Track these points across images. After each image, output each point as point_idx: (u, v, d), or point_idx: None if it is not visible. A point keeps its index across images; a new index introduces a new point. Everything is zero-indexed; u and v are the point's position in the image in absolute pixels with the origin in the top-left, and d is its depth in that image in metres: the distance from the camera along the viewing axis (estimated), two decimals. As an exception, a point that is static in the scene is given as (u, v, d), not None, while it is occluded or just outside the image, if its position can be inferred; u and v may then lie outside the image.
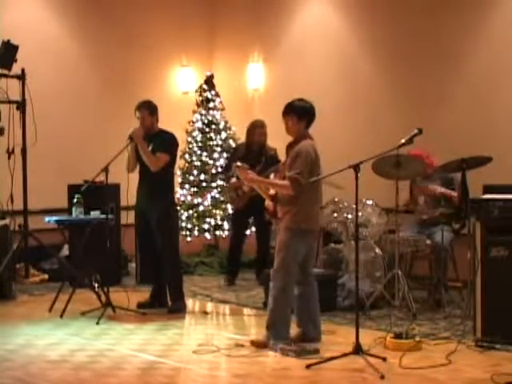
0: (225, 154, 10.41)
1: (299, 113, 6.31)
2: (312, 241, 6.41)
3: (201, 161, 10.47)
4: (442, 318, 7.19)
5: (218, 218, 10.37)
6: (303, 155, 6.19)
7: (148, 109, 7.77)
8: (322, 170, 7.37)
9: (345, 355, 5.76)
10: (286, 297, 6.24)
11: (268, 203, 6.48)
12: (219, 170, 10.38)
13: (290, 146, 6.37)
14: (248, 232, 9.83)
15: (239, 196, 9.18)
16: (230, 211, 10.10)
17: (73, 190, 8.73)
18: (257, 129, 9.23)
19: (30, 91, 8.55)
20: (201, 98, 10.72)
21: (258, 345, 6.24)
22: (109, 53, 10.70)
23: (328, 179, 7.56)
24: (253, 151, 9.17)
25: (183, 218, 10.35)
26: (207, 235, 10.49)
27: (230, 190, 9.39)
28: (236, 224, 9.53)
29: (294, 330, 6.45)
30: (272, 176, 6.98)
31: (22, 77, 8.59)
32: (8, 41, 8.46)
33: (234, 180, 9.18)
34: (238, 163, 6.66)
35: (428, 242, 7.67)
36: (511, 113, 8.48)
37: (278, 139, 9.17)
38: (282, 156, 8.64)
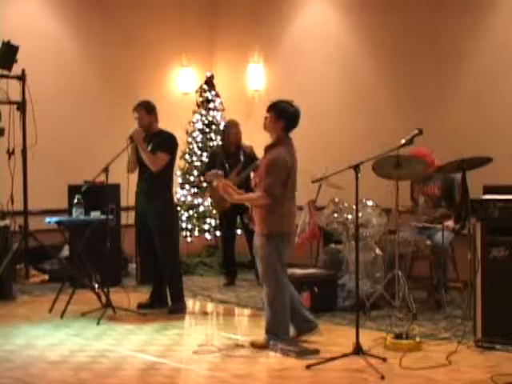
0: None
1: (278, 113, 6.19)
2: (288, 242, 6.27)
3: (201, 161, 10.46)
4: (442, 319, 7.19)
5: (218, 218, 10.36)
6: (278, 165, 6.09)
7: (145, 108, 7.78)
8: (324, 170, 7.41)
9: (345, 355, 5.75)
10: (281, 299, 6.19)
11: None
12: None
13: (267, 148, 6.27)
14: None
15: (223, 197, 9.16)
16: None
17: (73, 190, 8.72)
18: (232, 128, 9.32)
19: (31, 92, 8.55)
20: (201, 99, 10.72)
21: (258, 346, 6.23)
22: (109, 53, 10.70)
23: (328, 180, 7.60)
24: (231, 152, 9.25)
25: (183, 218, 10.35)
26: (207, 236, 10.49)
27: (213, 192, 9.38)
28: (224, 226, 9.56)
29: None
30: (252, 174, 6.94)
31: (22, 77, 8.60)
32: (8, 41, 8.46)
33: (215, 183, 9.22)
34: (214, 171, 6.65)
35: (428, 242, 7.67)
36: (511, 113, 8.48)
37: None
38: (258, 154, 8.72)
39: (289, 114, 6.19)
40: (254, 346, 6.25)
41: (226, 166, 9.20)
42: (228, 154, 9.27)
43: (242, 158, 9.20)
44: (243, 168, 9.09)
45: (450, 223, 7.66)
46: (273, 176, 6.08)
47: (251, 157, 9.12)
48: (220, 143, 9.94)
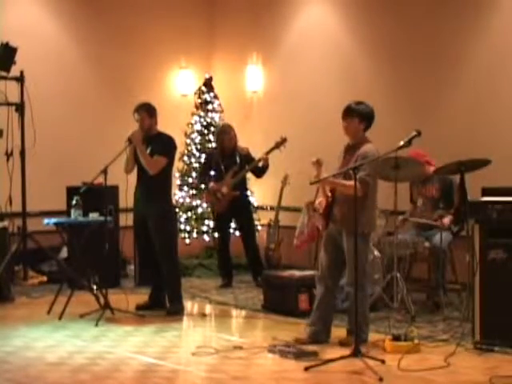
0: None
1: (360, 115, 6.44)
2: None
3: (199, 163, 10.45)
4: (440, 321, 7.19)
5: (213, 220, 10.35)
6: (371, 158, 6.24)
7: (146, 110, 7.77)
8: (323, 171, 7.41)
9: (343, 357, 5.76)
10: (367, 299, 6.44)
11: (320, 202, 6.46)
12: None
13: (349, 148, 6.42)
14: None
15: (219, 199, 9.22)
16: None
17: (71, 191, 8.73)
18: (225, 135, 9.35)
19: (29, 93, 8.55)
20: (200, 101, 10.72)
21: (345, 344, 6.22)
22: (108, 55, 10.69)
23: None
24: (226, 154, 9.29)
25: (182, 220, 10.34)
26: (206, 237, 10.48)
27: (209, 195, 9.39)
28: (220, 227, 9.56)
29: (297, 333, 6.46)
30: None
31: (20, 79, 8.60)
32: (7, 43, 8.46)
33: (212, 184, 9.25)
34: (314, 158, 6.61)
35: (427, 244, 7.66)
36: (510, 115, 8.47)
37: (275, 140, 9.22)
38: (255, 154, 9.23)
39: (370, 116, 6.51)
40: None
41: (222, 167, 9.24)
42: (224, 155, 9.31)
43: (237, 160, 9.22)
44: (239, 170, 9.15)
45: (446, 220, 7.64)
46: (367, 169, 6.20)
47: (247, 158, 9.20)
48: (215, 145, 9.96)
